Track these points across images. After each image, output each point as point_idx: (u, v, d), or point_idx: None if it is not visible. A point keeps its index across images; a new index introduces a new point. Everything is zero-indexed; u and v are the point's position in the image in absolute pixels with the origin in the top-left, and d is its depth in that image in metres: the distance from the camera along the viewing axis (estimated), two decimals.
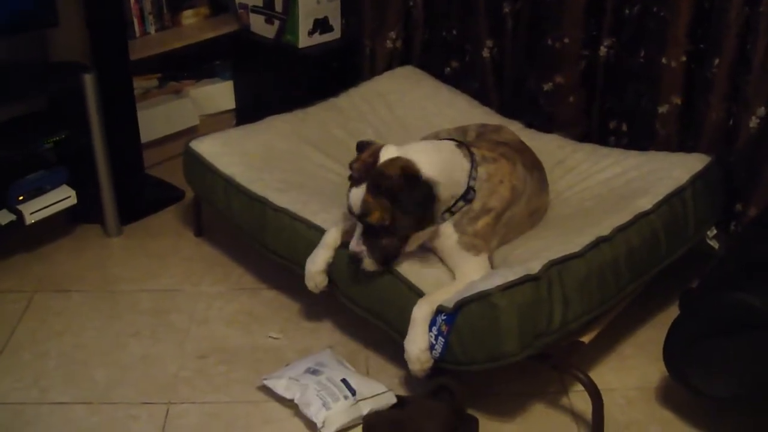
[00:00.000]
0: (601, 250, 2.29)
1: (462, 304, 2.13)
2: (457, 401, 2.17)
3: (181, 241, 3.06)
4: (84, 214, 3.09)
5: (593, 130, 3.08)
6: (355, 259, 2.28)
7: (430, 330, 2.19)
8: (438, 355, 2.19)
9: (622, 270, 2.33)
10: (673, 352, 2.21)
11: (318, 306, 2.62)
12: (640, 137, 2.95)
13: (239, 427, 2.25)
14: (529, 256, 2.26)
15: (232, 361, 2.47)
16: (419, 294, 2.26)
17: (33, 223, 2.85)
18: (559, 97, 3.10)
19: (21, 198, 2.84)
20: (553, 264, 2.19)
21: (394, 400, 2.26)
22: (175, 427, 2.25)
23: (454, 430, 2.15)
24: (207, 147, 2.83)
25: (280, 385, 2.30)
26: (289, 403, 2.29)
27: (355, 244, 2.28)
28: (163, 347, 2.54)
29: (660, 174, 2.60)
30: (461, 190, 2.31)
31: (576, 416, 2.28)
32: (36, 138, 2.92)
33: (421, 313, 2.21)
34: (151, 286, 2.81)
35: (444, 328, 2.16)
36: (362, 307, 2.39)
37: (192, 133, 3.55)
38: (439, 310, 2.18)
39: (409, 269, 2.32)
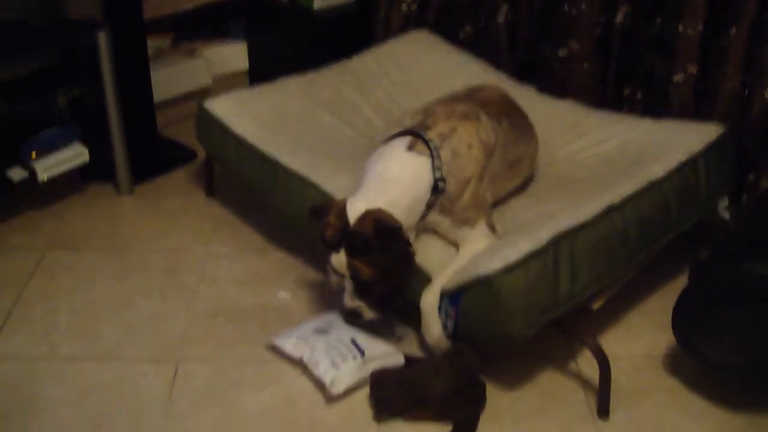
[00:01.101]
0: (612, 218, 2.28)
1: (464, 288, 2.14)
2: (467, 364, 2.18)
3: (192, 201, 3.07)
4: (96, 172, 3.10)
5: (607, 98, 3.07)
6: (355, 315, 2.30)
7: (440, 312, 2.21)
8: (450, 334, 2.22)
9: (632, 239, 2.32)
10: (681, 320, 2.21)
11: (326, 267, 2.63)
12: (654, 105, 2.93)
13: (247, 385, 2.27)
14: (538, 222, 2.26)
15: (241, 321, 2.49)
16: (424, 275, 2.27)
17: (46, 180, 2.87)
18: (574, 63, 3.08)
19: (34, 155, 2.85)
20: (561, 236, 2.18)
21: (402, 361, 2.27)
22: (184, 385, 2.27)
23: (460, 391, 2.16)
24: (220, 107, 2.83)
25: (289, 345, 2.31)
26: (298, 363, 2.31)
27: (350, 300, 2.28)
28: (172, 306, 2.55)
29: (673, 142, 2.58)
30: (428, 195, 2.28)
31: (583, 382, 2.29)
32: (49, 95, 2.92)
33: (428, 304, 2.24)
34: (162, 246, 2.82)
35: (450, 311, 2.18)
36: None
37: (204, 93, 3.55)
38: (443, 294, 2.20)
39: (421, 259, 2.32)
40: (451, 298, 2.17)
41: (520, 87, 3.03)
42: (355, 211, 2.20)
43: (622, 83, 3.04)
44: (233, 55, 3.74)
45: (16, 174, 2.84)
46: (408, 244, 2.21)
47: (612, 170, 2.54)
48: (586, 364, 2.32)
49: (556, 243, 2.16)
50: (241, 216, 2.97)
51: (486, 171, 2.38)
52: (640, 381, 2.31)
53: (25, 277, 2.67)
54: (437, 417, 2.16)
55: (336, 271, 2.25)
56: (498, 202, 2.55)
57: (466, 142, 2.33)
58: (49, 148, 2.89)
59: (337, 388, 2.19)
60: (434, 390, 2.16)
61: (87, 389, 2.26)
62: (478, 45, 3.31)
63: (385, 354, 2.27)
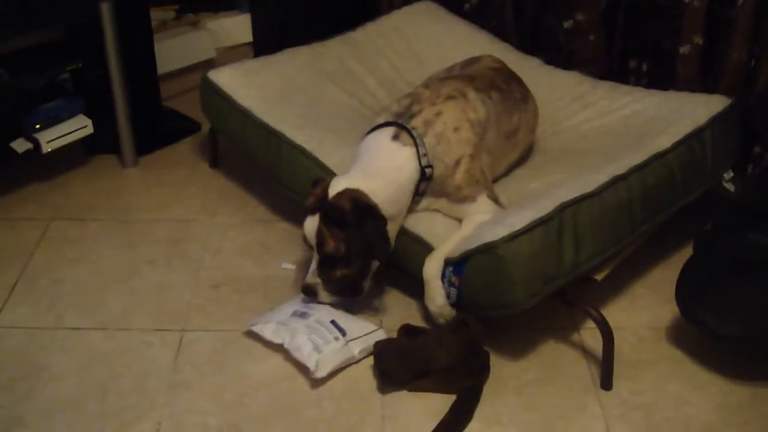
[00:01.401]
0: (617, 189, 2.28)
1: (468, 255, 2.14)
2: (471, 335, 2.19)
3: (196, 172, 3.07)
4: (100, 144, 3.10)
5: (613, 70, 3.05)
6: (310, 291, 2.30)
7: (443, 281, 2.22)
8: (453, 303, 2.22)
9: (637, 210, 2.32)
10: (685, 291, 2.22)
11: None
12: (660, 77, 2.92)
13: (252, 355, 2.28)
14: (543, 193, 2.26)
15: (246, 291, 2.50)
16: (427, 248, 2.28)
17: (50, 151, 2.87)
18: (579, 35, 3.07)
19: (38, 126, 2.86)
20: (566, 205, 2.18)
21: (384, 337, 2.27)
22: (189, 353, 2.29)
23: (464, 362, 2.17)
24: (225, 78, 2.82)
25: (268, 331, 2.29)
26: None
27: (311, 276, 2.29)
28: (177, 276, 2.56)
29: (679, 114, 2.57)
30: (414, 183, 2.31)
31: (586, 353, 2.30)
32: (53, 67, 2.92)
33: (431, 271, 2.25)
34: (166, 216, 2.83)
35: (454, 279, 2.18)
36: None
37: (209, 65, 3.54)
38: (447, 263, 2.20)
39: (415, 223, 2.34)
40: (456, 266, 2.18)
41: (525, 59, 3.02)
42: (336, 186, 2.25)
43: (628, 55, 3.02)
44: (237, 27, 3.72)
45: (21, 146, 2.84)
46: (385, 223, 2.24)
47: (617, 141, 2.53)
48: (589, 335, 2.33)
49: (560, 212, 2.16)
50: (245, 187, 2.97)
51: (481, 147, 2.38)
52: (644, 352, 2.31)
53: (30, 248, 2.68)
54: (441, 387, 2.17)
55: (305, 240, 2.28)
56: (502, 175, 2.55)
57: (452, 126, 2.35)
58: (53, 120, 2.90)
59: (322, 372, 2.18)
60: (438, 361, 2.17)
61: (92, 358, 2.27)
62: (483, 17, 3.29)
63: (366, 332, 2.28)
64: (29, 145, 2.85)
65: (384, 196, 2.25)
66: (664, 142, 2.44)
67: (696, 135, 2.50)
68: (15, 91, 2.81)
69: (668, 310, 2.39)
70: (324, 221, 2.23)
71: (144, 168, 3.11)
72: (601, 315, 2.18)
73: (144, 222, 2.81)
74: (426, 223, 2.34)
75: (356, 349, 2.24)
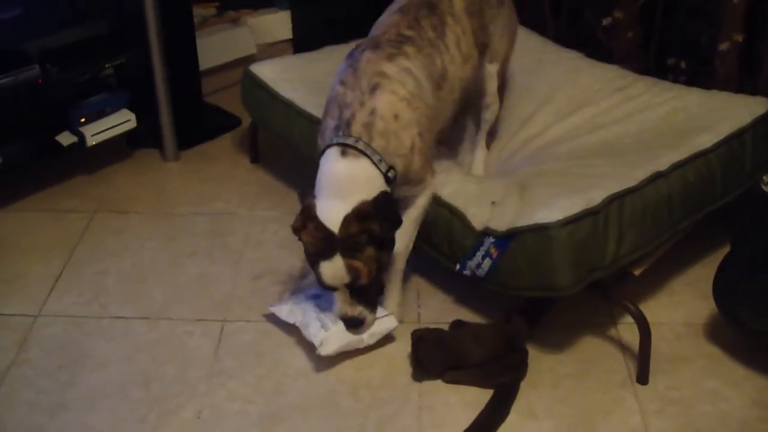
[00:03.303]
0: (658, 185, 2.29)
1: (516, 232, 2.15)
2: (512, 332, 2.20)
3: (237, 167, 3.11)
4: (142, 138, 3.15)
5: (651, 67, 3.05)
6: (357, 323, 2.20)
7: (477, 250, 2.21)
8: (483, 274, 2.21)
9: (676, 207, 2.32)
10: (722, 288, 2.22)
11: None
12: (698, 75, 2.92)
13: (291, 345, 2.32)
14: (588, 183, 2.26)
15: (286, 282, 2.53)
16: (460, 216, 2.28)
17: (94, 145, 2.92)
18: (618, 31, 3.07)
19: (83, 120, 2.91)
20: (612, 198, 2.19)
21: (395, 324, 2.26)
22: (229, 343, 2.32)
23: (499, 358, 2.18)
24: (267, 71, 2.87)
25: (284, 311, 2.32)
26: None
27: (350, 309, 2.18)
28: (218, 268, 2.60)
29: (722, 113, 2.56)
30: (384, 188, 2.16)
31: (623, 347, 2.30)
32: (98, 61, 2.97)
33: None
34: (208, 210, 2.87)
35: (493, 251, 2.17)
36: None
37: (249, 62, 3.55)
38: (487, 233, 2.20)
39: (451, 194, 2.34)
40: (499, 239, 2.17)
41: (565, 51, 3.02)
42: (333, 217, 2.09)
43: (666, 52, 3.02)
44: (278, 24, 3.76)
45: (66, 139, 2.90)
46: (389, 203, 2.13)
47: (659, 138, 2.52)
48: (626, 330, 2.34)
49: (608, 205, 2.17)
50: (285, 181, 3.01)
51: (423, 117, 2.23)
52: (680, 348, 2.31)
53: (74, 239, 2.73)
54: (476, 381, 2.18)
55: (327, 284, 2.15)
56: (535, 160, 2.54)
57: (391, 114, 2.16)
58: (98, 114, 2.95)
59: (326, 349, 2.19)
60: (472, 355, 2.19)
61: (136, 347, 2.32)
62: (521, 14, 3.29)
63: (378, 317, 2.25)
64: (74, 139, 2.90)
65: (369, 192, 2.12)
66: (706, 141, 2.43)
67: (738, 136, 2.49)
68: (61, 85, 2.86)
69: (705, 307, 2.39)
70: (352, 256, 2.08)
71: (185, 162, 3.16)
72: (639, 310, 2.18)
73: (185, 215, 2.85)
74: (460, 196, 2.34)
75: (365, 332, 2.23)
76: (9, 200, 2.91)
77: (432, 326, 2.26)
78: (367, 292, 2.18)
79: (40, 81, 2.79)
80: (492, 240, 2.19)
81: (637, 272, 2.29)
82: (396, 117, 2.16)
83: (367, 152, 2.12)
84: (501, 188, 2.35)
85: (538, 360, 2.26)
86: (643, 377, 2.21)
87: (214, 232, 2.76)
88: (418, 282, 2.53)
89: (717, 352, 2.30)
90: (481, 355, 2.18)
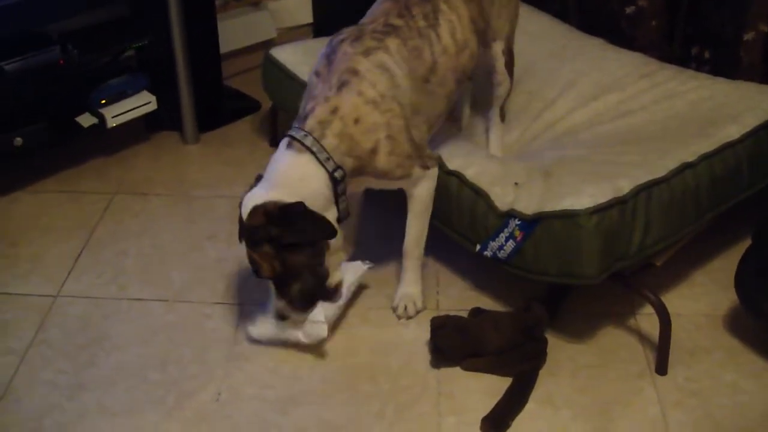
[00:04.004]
0: (685, 176, 2.26)
1: (543, 216, 2.13)
2: (532, 320, 2.19)
3: (256, 150, 3.10)
4: (162, 121, 3.15)
5: (674, 56, 3.03)
6: (282, 316, 2.19)
7: (501, 231, 2.20)
8: (505, 256, 2.20)
9: (703, 198, 2.30)
10: (744, 280, 2.21)
11: (389, 217, 2.65)
12: (722, 64, 2.89)
13: None
14: (616, 170, 2.24)
15: None
16: (484, 196, 2.26)
17: (114, 126, 2.92)
18: (642, 20, 3.04)
19: (103, 102, 2.91)
20: (640, 189, 2.17)
21: (324, 335, 2.17)
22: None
23: (519, 345, 2.18)
24: (287, 55, 2.86)
25: (255, 332, 2.27)
26: (358, 311, 2.35)
27: (275, 301, 2.17)
28: (237, 251, 2.54)
29: (749, 103, 2.53)
30: (328, 187, 2.09)
31: (642, 338, 2.30)
32: (119, 43, 2.97)
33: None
34: (227, 193, 2.87)
35: (518, 233, 2.16)
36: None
37: (269, 45, 3.56)
38: (513, 215, 2.18)
39: (475, 174, 2.32)
40: (526, 222, 2.16)
41: (589, 38, 3.00)
42: (247, 207, 2.09)
43: (690, 42, 3.00)
44: (298, 9, 3.75)
45: (86, 120, 2.90)
46: (308, 215, 2.05)
47: (686, 126, 2.49)
48: (646, 320, 2.33)
49: (636, 194, 2.16)
50: None
51: (402, 116, 2.13)
52: (700, 339, 2.30)
53: (94, 221, 2.74)
54: (495, 369, 2.18)
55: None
56: (558, 145, 2.52)
57: (352, 119, 2.08)
58: (118, 96, 2.95)
59: (255, 331, 2.25)
60: (490, 343, 2.18)
61: (154, 329, 2.33)
62: (545, 1, 3.28)
63: (315, 319, 2.18)
64: (94, 120, 2.90)
65: (302, 192, 2.06)
66: (734, 132, 2.40)
67: (765, 128, 2.46)
68: (82, 66, 2.86)
69: (726, 298, 2.38)
70: (250, 247, 2.09)
71: (205, 145, 3.16)
72: (660, 300, 2.17)
73: (205, 198, 2.86)
74: (474, 167, 2.34)
75: (299, 330, 2.20)
76: (28, 181, 2.92)
77: (451, 313, 2.25)
78: (289, 289, 2.13)
79: (61, 62, 2.79)
80: (517, 222, 2.17)
81: (658, 263, 2.28)
82: (357, 121, 2.08)
83: (314, 149, 2.05)
84: (524, 170, 2.32)
85: (557, 349, 2.25)
86: (662, 368, 2.20)
87: (233, 216, 2.70)
88: (437, 269, 2.52)
89: (737, 345, 2.29)
90: (500, 343, 2.18)
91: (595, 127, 2.60)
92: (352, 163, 2.11)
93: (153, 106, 2.99)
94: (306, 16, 3.76)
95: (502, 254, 2.21)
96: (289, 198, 2.04)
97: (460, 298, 2.41)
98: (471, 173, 2.33)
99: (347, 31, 2.20)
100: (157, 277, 2.50)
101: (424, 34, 2.21)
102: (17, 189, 2.88)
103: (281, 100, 2.90)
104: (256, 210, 2.05)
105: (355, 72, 2.09)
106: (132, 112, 2.95)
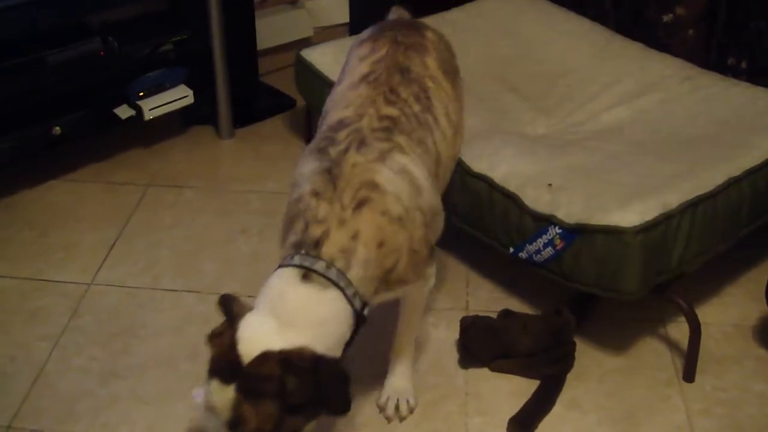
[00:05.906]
0: (730, 191, 2.24)
1: (587, 229, 2.10)
2: (561, 324, 2.19)
3: (290, 147, 3.13)
4: (198, 115, 3.18)
5: (711, 66, 3.02)
6: None
7: (539, 236, 2.19)
8: (542, 261, 2.20)
9: (744, 212, 2.29)
10: None
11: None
12: (759, 75, 2.88)
13: None
14: (663, 183, 2.20)
15: None
16: (515, 199, 2.24)
17: (151, 119, 2.95)
18: (679, 28, 3.04)
19: (141, 94, 2.94)
20: (688, 204, 2.14)
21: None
22: None
23: (545, 349, 2.18)
24: (318, 56, 2.88)
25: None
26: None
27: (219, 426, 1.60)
28: (269, 246, 2.62)
29: None
30: (350, 326, 1.70)
31: (671, 345, 2.30)
32: (158, 37, 3.00)
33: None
34: (260, 188, 2.89)
35: (558, 242, 2.15)
36: (459, 216, 2.39)
37: (305, 44, 3.59)
38: (553, 222, 2.16)
39: (504, 177, 2.29)
40: (566, 231, 2.14)
41: (629, 41, 2.97)
42: (253, 345, 1.58)
43: (727, 51, 2.99)
44: (335, 7, 3.77)
45: (124, 112, 2.93)
46: (342, 373, 1.61)
47: (728, 134, 2.46)
48: (674, 328, 2.33)
49: (684, 210, 2.13)
50: None
51: (423, 218, 1.80)
52: (729, 348, 2.30)
53: (128, 212, 2.77)
54: (522, 371, 2.19)
55: (209, 407, 1.60)
56: (600, 139, 2.50)
57: (376, 242, 1.70)
58: (156, 88, 2.98)
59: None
60: (519, 345, 2.19)
61: (186, 320, 2.35)
62: (581, 7, 3.28)
63: None
64: (132, 112, 2.93)
65: (319, 348, 1.60)
66: None
67: None
68: (121, 59, 2.90)
69: (756, 309, 2.37)
70: (245, 396, 1.55)
71: (240, 140, 3.18)
72: (691, 307, 2.17)
73: (238, 192, 2.88)
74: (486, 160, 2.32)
75: None
76: (65, 170, 2.96)
77: (480, 314, 2.26)
78: None
79: (101, 54, 2.83)
80: (558, 230, 2.15)
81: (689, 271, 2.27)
82: (381, 245, 1.71)
83: (341, 284, 1.65)
84: (560, 170, 2.28)
85: (586, 354, 2.26)
86: (689, 375, 2.20)
87: (266, 211, 2.78)
88: (467, 271, 2.53)
89: (766, 355, 2.28)
90: (528, 346, 2.19)
91: (637, 126, 2.57)
92: (371, 289, 1.74)
93: (190, 99, 3.02)
94: (343, 15, 3.78)
95: (538, 258, 2.20)
96: (313, 345, 1.59)
97: (490, 299, 2.42)
98: (499, 175, 2.29)
99: (339, 138, 1.81)
100: (190, 269, 2.53)
101: (423, 121, 1.90)
102: (54, 178, 2.92)
103: (312, 100, 2.92)
104: (267, 357, 1.56)
105: (374, 186, 1.72)
106: (169, 105, 2.98)
